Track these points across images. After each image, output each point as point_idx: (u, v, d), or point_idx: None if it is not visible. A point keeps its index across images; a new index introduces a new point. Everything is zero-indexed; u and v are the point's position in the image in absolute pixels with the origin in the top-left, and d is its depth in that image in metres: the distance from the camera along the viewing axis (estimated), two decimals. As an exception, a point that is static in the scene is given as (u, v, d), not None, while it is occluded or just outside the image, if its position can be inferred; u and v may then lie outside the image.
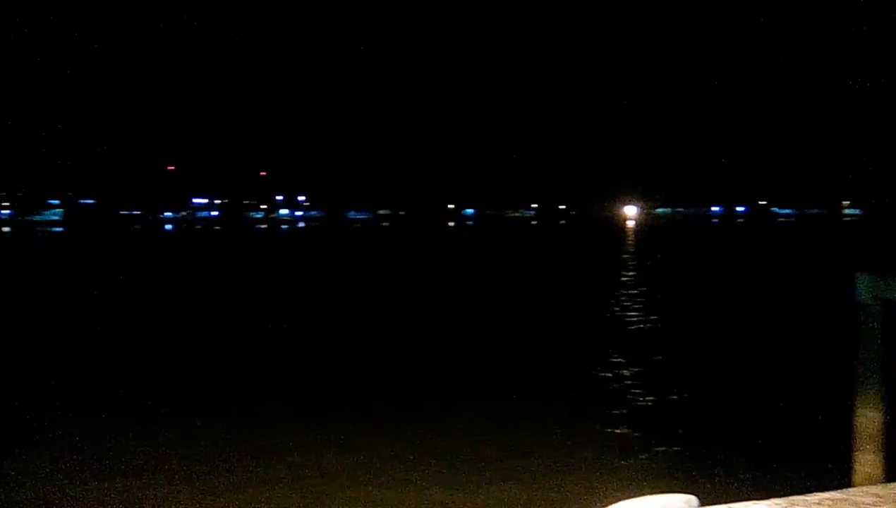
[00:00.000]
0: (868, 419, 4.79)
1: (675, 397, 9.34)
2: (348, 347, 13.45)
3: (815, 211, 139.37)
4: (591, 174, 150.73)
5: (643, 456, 7.02)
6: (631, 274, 26.84)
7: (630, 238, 61.01)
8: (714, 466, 6.65)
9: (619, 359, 11.56)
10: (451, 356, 12.05)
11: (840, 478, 5.23)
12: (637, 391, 9.64)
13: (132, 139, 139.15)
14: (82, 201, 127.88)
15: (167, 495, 6.18)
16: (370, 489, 6.14)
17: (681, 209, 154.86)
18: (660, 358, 11.84)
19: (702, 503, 3.56)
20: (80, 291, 22.93)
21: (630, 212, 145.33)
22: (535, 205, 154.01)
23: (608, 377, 10.25)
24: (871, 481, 4.70)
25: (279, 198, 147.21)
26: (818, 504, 4.01)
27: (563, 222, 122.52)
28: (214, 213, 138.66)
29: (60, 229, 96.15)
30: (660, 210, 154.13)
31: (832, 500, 4.06)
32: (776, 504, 3.96)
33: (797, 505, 3.96)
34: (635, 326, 14.74)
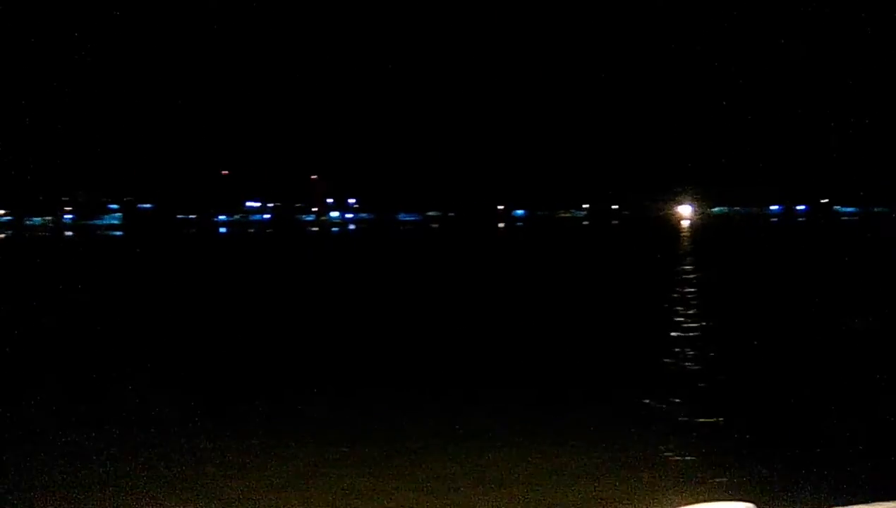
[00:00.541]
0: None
1: (730, 404, 9.19)
2: (389, 350, 13.54)
3: (880, 209, 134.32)
4: (644, 173, 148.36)
5: (698, 464, 6.96)
6: (686, 275, 26.36)
7: (685, 238, 59.89)
8: (772, 475, 6.58)
9: (670, 364, 11.37)
10: (491, 363, 11.92)
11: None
12: (688, 397, 9.54)
13: (188, 145, 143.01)
14: (140, 206, 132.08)
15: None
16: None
17: (738, 208, 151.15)
18: (715, 363, 11.61)
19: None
20: (141, 292, 23.76)
21: (684, 211, 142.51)
22: (587, 206, 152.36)
23: (657, 383, 10.15)
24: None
25: (330, 200, 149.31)
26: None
27: (615, 222, 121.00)
28: (266, 216, 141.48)
29: (119, 233, 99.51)
30: (716, 209, 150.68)
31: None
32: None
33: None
34: (689, 330, 14.46)
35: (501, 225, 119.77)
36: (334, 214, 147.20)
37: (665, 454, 7.25)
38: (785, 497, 5.90)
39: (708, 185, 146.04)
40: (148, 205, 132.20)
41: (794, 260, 34.37)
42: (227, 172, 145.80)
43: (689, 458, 7.15)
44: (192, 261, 42.39)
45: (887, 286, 21.42)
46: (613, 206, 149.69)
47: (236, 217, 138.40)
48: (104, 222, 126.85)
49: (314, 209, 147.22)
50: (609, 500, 6.08)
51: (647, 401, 9.24)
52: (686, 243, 51.04)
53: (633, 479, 6.56)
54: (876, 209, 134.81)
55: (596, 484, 6.40)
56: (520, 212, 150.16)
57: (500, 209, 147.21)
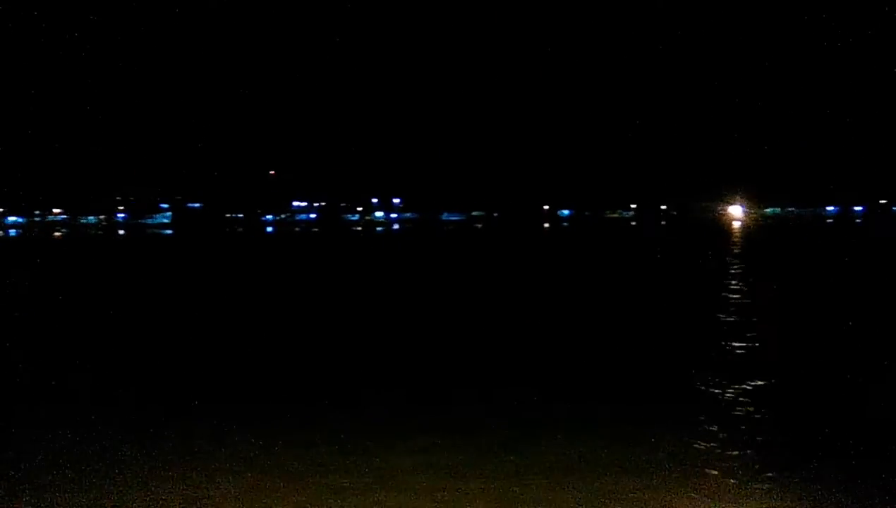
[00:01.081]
0: None
1: (786, 414, 8.87)
2: (426, 350, 13.49)
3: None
4: (693, 172, 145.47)
5: (757, 475, 6.80)
6: (738, 279, 25.64)
7: (737, 239, 58.57)
8: (834, 488, 6.38)
9: (724, 371, 10.97)
10: (534, 368, 11.63)
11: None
12: (742, 404, 9.31)
13: (236, 146, 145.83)
14: (190, 205, 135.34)
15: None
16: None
17: (792, 209, 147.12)
18: (771, 370, 11.15)
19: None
20: (186, 289, 24.30)
21: (736, 212, 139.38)
22: (635, 206, 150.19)
23: (712, 391, 9.87)
24: None
25: (374, 200, 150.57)
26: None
27: (663, 223, 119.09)
28: (312, 216, 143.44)
29: (169, 232, 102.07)
30: (768, 210, 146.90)
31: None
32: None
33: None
34: (742, 336, 13.95)
35: (546, 225, 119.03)
36: (379, 214, 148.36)
37: (714, 471, 7.07)
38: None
39: (760, 185, 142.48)
40: (197, 204, 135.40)
41: (854, 262, 33.26)
42: (274, 172, 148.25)
43: (742, 472, 6.91)
44: (240, 259, 43.18)
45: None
46: (662, 207, 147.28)
47: (282, 216, 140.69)
48: (155, 221, 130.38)
49: (359, 208, 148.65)
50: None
51: (688, 407, 9.02)
52: (737, 244, 49.89)
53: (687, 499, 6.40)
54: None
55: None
56: (565, 212, 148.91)
57: (546, 209, 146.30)
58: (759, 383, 10.31)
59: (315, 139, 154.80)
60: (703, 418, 8.54)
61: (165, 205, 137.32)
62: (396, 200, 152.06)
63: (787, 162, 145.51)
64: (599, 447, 7.46)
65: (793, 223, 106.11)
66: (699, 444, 7.61)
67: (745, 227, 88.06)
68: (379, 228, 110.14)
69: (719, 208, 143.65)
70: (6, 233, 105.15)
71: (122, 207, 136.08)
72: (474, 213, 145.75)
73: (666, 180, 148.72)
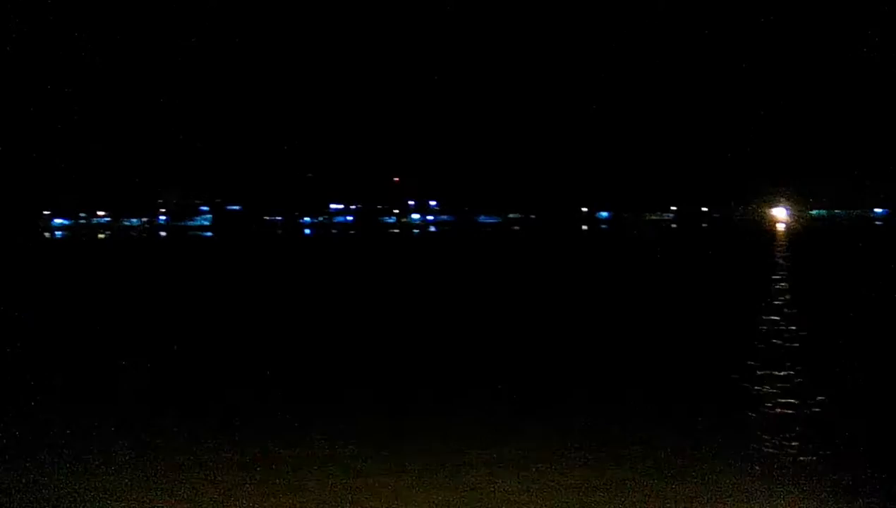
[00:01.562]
0: None
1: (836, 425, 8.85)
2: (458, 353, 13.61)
3: None
4: (735, 173, 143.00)
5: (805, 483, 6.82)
6: (782, 283, 25.23)
7: (781, 242, 57.55)
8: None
9: (766, 378, 10.93)
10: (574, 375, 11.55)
11: None
12: (789, 413, 9.37)
13: (274, 149, 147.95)
14: (229, 207, 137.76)
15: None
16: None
17: (838, 211, 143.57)
18: (817, 379, 11.07)
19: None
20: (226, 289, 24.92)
21: (780, 214, 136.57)
22: (675, 208, 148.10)
23: (755, 399, 9.81)
24: None
25: (411, 203, 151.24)
26: None
27: (705, 225, 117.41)
28: (349, 218, 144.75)
29: (209, 234, 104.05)
30: (814, 212, 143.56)
31: None
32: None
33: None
34: (786, 344, 13.69)
35: (585, 227, 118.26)
36: (415, 216, 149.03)
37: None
38: None
39: (805, 186, 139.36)
40: (236, 207, 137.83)
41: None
42: (311, 175, 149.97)
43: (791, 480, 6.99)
44: (279, 261, 43.92)
45: None
46: (703, 208, 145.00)
47: (320, 218, 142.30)
48: (195, 223, 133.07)
49: (395, 211, 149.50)
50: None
51: (734, 415, 9.15)
52: (784, 248, 49.02)
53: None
54: None
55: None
56: (604, 214, 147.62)
57: (584, 211, 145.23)
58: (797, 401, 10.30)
59: (352, 142, 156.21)
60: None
61: (205, 208, 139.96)
62: (433, 203, 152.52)
63: (834, 162, 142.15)
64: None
65: (841, 225, 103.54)
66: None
67: (790, 230, 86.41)
68: (415, 231, 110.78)
69: (763, 210, 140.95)
70: (53, 234, 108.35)
71: (163, 210, 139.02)
72: (511, 216, 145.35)
73: (707, 181, 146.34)
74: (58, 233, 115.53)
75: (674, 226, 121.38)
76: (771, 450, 7.48)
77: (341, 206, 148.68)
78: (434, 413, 9.10)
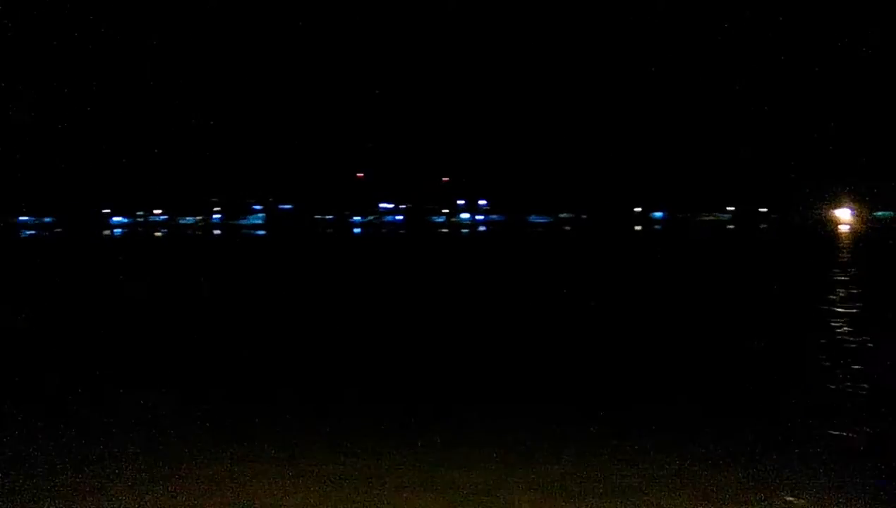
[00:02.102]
0: None
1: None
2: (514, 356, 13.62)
3: None
4: (796, 172, 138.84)
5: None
6: (845, 289, 24.14)
7: (845, 245, 55.72)
8: None
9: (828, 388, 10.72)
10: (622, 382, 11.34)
11: None
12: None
13: (325, 149, 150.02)
14: (281, 206, 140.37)
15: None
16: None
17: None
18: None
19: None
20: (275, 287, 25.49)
21: (843, 215, 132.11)
22: (732, 208, 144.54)
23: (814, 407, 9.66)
24: None
25: (460, 202, 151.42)
26: None
27: (763, 226, 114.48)
28: (399, 217, 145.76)
29: (262, 232, 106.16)
30: (879, 213, 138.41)
31: None
32: None
33: None
34: (848, 353, 13.21)
35: (638, 227, 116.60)
36: (464, 215, 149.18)
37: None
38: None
39: (870, 187, 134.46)
40: (288, 206, 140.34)
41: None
42: (361, 175, 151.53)
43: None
44: (331, 259, 44.59)
45: None
46: (762, 209, 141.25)
47: (370, 218, 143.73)
48: (248, 222, 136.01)
49: (445, 210, 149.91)
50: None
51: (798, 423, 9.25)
52: (848, 252, 47.39)
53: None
54: None
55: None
56: (658, 214, 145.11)
57: (637, 211, 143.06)
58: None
59: (401, 141, 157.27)
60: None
61: (258, 207, 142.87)
62: (482, 202, 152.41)
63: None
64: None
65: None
66: None
67: (854, 232, 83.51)
68: (464, 230, 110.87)
69: (825, 211, 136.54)
70: (112, 232, 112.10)
71: (217, 208, 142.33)
72: (562, 215, 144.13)
73: (766, 180, 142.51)
74: (116, 230, 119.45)
75: (730, 226, 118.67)
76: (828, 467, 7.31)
77: (391, 205, 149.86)
78: (486, 414, 9.26)
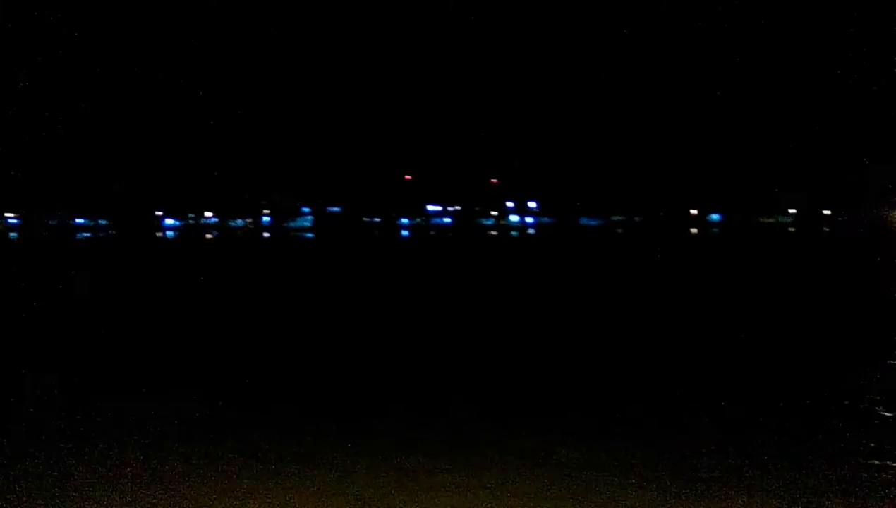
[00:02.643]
0: None
1: None
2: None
3: None
4: (864, 171, 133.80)
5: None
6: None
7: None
8: None
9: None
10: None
11: None
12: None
13: (373, 152, 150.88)
14: (330, 209, 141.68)
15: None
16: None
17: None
18: None
19: None
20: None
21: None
22: (794, 210, 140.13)
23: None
24: None
25: (510, 204, 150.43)
26: None
27: (827, 229, 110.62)
28: (447, 220, 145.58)
29: (310, 234, 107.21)
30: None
31: None
32: None
33: None
34: None
35: (694, 230, 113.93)
36: (514, 218, 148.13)
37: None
38: None
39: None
40: (336, 208, 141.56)
41: None
42: (409, 177, 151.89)
43: None
44: (379, 262, 44.43)
45: None
46: (825, 211, 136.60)
47: (417, 220, 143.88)
48: (297, 224, 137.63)
49: (494, 213, 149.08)
50: None
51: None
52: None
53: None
54: None
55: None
56: (715, 216, 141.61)
57: (693, 213, 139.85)
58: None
59: (450, 143, 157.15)
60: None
61: (307, 209, 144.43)
62: (532, 204, 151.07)
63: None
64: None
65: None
66: None
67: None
68: (514, 233, 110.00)
69: (891, 213, 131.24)
70: (164, 234, 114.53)
71: (267, 211, 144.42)
72: (614, 218, 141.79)
73: (831, 181, 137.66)
74: (168, 232, 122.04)
75: (791, 229, 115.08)
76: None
77: (439, 208, 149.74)
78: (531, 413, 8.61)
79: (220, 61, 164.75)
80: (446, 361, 11.63)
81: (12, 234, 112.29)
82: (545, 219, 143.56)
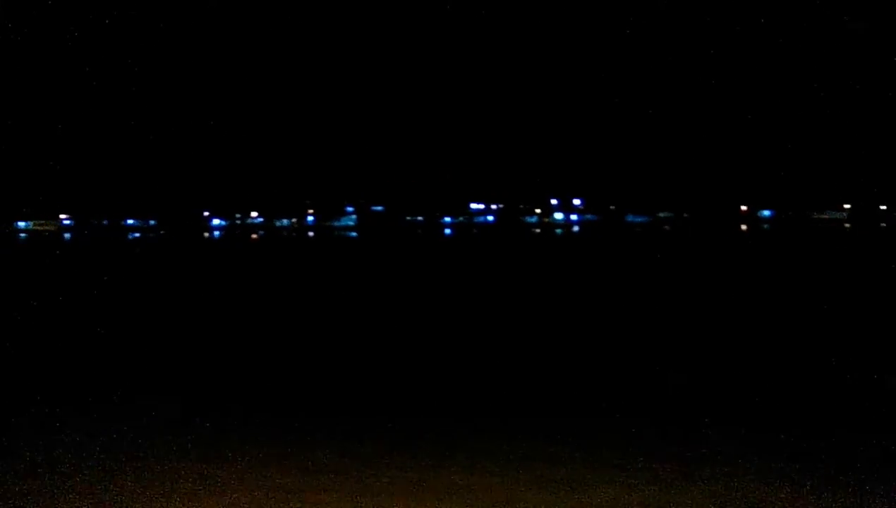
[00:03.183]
0: None
1: None
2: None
3: None
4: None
5: None
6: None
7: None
8: None
9: None
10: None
11: None
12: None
13: (416, 150, 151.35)
14: (373, 208, 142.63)
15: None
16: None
17: None
18: None
19: None
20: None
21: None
22: (848, 206, 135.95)
23: None
24: None
25: (554, 201, 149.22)
26: None
27: (883, 225, 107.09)
28: (490, 218, 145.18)
29: (354, 233, 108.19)
30: None
31: None
32: None
33: None
34: None
35: (744, 227, 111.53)
36: (558, 215, 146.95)
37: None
38: None
39: None
40: (380, 207, 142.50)
41: None
42: (452, 175, 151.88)
43: None
44: (419, 258, 44.62)
45: None
46: (882, 207, 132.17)
47: (461, 218, 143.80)
48: (341, 223, 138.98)
49: (537, 210, 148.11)
50: None
51: None
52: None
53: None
54: None
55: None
56: (766, 212, 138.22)
57: (743, 209, 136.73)
58: None
59: (492, 140, 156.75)
60: None
61: (351, 209, 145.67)
62: (577, 201, 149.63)
63: None
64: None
65: None
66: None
67: None
68: (558, 230, 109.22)
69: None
70: (211, 234, 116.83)
71: (311, 210, 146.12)
72: (661, 215, 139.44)
73: (887, 175, 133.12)
74: (215, 232, 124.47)
75: (847, 225, 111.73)
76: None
77: (482, 206, 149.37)
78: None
79: (266, 64, 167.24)
80: (471, 362, 11.77)
81: (66, 235, 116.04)
82: (590, 217, 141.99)
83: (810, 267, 31.64)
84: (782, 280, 24.89)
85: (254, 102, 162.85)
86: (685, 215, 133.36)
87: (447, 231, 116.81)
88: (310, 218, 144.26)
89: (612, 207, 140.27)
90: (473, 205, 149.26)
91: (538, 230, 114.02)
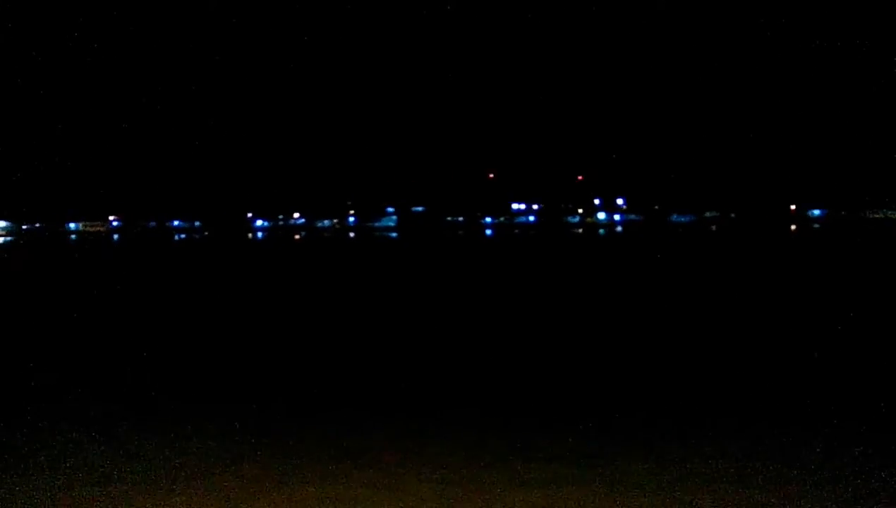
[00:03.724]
0: None
1: None
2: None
3: None
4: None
5: None
6: None
7: None
8: None
9: None
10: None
11: None
12: None
13: (456, 150, 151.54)
14: (414, 208, 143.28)
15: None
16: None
17: None
18: None
19: None
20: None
21: None
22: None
23: None
24: None
25: (596, 201, 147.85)
26: None
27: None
28: (531, 218, 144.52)
29: (394, 234, 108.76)
30: None
31: None
32: None
33: None
34: None
35: (793, 226, 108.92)
36: (601, 215, 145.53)
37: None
38: None
39: None
40: (420, 208, 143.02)
41: None
42: (492, 175, 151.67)
43: None
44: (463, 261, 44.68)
45: None
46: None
47: (502, 219, 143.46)
48: (382, 224, 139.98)
49: (580, 210, 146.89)
50: None
51: None
52: None
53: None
54: None
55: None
56: (816, 212, 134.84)
57: (793, 209, 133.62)
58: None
59: (534, 139, 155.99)
60: None
61: (391, 209, 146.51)
62: (620, 201, 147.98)
63: None
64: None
65: None
66: None
67: None
68: (601, 231, 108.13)
69: None
70: (255, 235, 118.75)
71: (352, 211, 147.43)
72: (707, 214, 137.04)
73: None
74: (259, 233, 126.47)
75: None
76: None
77: (523, 206, 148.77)
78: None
79: (311, 69, 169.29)
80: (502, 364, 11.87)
81: (115, 236, 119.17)
82: (633, 216, 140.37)
83: (857, 268, 30.75)
84: (824, 282, 24.30)
85: (298, 106, 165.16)
86: (732, 215, 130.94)
87: (488, 231, 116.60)
88: (351, 218, 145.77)
89: (656, 207, 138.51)
90: (514, 206, 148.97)
91: (580, 230, 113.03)
